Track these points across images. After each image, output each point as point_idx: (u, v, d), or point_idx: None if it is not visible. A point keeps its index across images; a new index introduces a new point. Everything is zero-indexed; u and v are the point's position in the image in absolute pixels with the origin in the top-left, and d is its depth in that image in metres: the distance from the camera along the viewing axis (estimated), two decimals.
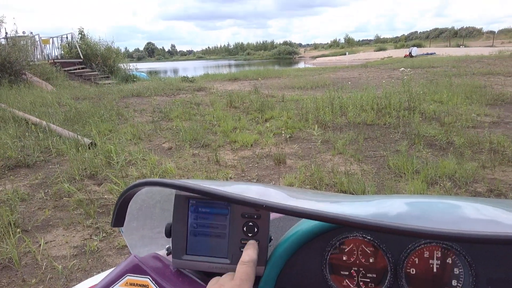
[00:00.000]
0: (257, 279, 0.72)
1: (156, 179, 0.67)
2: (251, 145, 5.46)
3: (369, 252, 0.69)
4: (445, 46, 48.39)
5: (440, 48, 42.06)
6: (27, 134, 5.78)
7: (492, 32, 68.08)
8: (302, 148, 5.26)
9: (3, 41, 14.76)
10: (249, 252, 0.67)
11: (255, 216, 0.72)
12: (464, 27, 77.81)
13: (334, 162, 4.57)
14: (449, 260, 0.65)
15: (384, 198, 0.77)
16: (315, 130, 5.75)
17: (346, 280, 0.70)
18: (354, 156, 4.68)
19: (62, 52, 17.92)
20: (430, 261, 0.66)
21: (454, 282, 0.64)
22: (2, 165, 4.61)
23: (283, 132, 5.91)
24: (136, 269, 0.72)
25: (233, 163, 4.73)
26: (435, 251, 0.66)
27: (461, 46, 45.48)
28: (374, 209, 0.69)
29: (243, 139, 5.60)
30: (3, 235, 2.89)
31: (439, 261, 0.65)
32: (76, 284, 0.96)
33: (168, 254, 0.81)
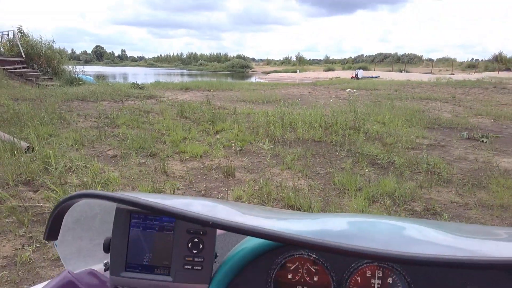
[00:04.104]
0: None
1: (95, 191, 0.63)
2: (201, 157, 5.40)
3: (313, 270, 0.69)
4: (388, 70, 51.18)
5: (384, 72, 44.42)
6: None
7: (431, 60, 73.29)
8: (252, 161, 5.29)
9: None
10: None
11: (201, 232, 0.70)
12: (406, 53, 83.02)
13: (283, 176, 4.64)
14: (389, 280, 0.67)
15: (330, 217, 0.78)
16: (265, 145, 5.81)
17: None
18: (302, 172, 4.77)
19: (2, 49, 16.76)
20: (372, 280, 0.67)
21: None
22: None
23: (233, 144, 5.91)
24: (69, 286, 0.67)
25: (181, 174, 4.64)
26: (376, 271, 0.67)
27: (403, 71, 48.34)
28: (319, 228, 0.70)
29: (193, 150, 5.53)
30: None
31: (380, 281, 0.67)
32: None
33: (106, 270, 0.77)
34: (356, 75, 30.93)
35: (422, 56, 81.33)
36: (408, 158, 5.28)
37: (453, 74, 36.75)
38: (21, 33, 17.02)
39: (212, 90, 14.54)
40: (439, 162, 5.07)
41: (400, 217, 0.82)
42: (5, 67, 14.60)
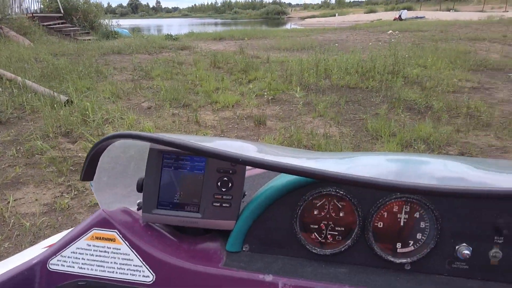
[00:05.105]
0: (228, 233, 0.73)
1: (130, 131, 0.64)
2: (233, 106, 5.40)
3: (340, 206, 0.70)
4: (435, 10, 47.75)
5: (431, 11, 41.51)
6: (0, 89, 5.59)
7: None
8: (284, 110, 5.22)
9: None
10: None
11: (231, 171, 0.71)
12: None
13: (314, 124, 4.56)
14: (416, 215, 0.67)
15: (359, 155, 0.79)
16: (297, 92, 5.69)
17: (315, 233, 0.71)
18: (334, 119, 4.67)
19: (42, 6, 17.06)
20: (398, 216, 0.68)
21: (419, 235, 0.67)
22: None
23: (265, 93, 5.84)
24: (103, 222, 0.70)
25: (213, 124, 4.69)
26: (404, 206, 0.67)
27: (451, 10, 44.95)
28: (349, 165, 0.71)
29: (225, 100, 5.52)
30: None
31: (407, 216, 0.67)
32: (44, 239, 0.94)
33: (139, 209, 0.80)
34: (400, 16, 28.98)
35: None
36: (448, 102, 5.01)
37: (507, 11, 33.65)
38: None
39: (246, 39, 14.26)
40: (480, 105, 4.79)
41: (428, 154, 0.81)
42: (45, 23, 14.93)
